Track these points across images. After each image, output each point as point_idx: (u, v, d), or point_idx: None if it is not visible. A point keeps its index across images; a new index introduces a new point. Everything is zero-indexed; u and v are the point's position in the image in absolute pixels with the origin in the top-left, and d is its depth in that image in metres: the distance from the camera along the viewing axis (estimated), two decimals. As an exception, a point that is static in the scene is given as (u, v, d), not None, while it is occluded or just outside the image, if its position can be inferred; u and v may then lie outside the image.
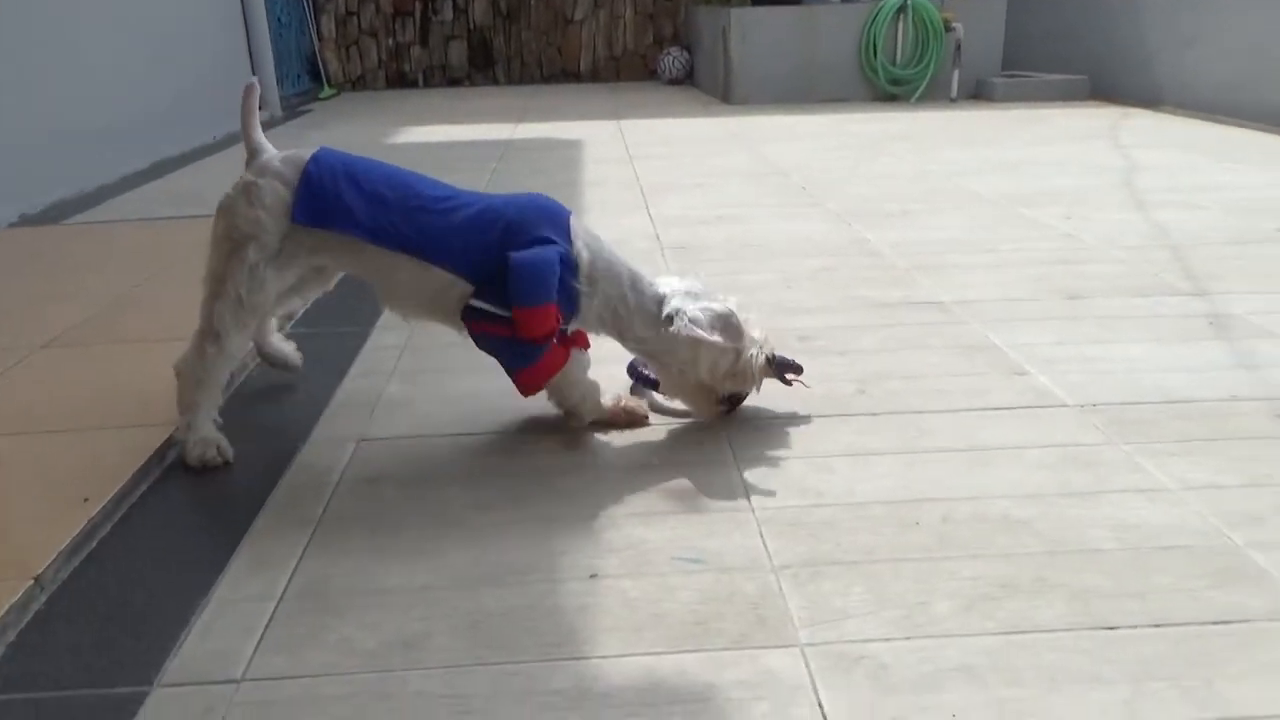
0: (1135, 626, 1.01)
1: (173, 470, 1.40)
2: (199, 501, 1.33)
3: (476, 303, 1.39)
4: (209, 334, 1.39)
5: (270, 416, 1.60)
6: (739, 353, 1.42)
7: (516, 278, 1.34)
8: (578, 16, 7.77)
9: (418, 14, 7.74)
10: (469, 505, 1.28)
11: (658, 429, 1.51)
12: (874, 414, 1.52)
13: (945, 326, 1.91)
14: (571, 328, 1.45)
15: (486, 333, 1.40)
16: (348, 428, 1.52)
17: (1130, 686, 0.92)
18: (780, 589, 1.08)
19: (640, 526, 1.22)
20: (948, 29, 5.66)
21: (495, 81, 7.90)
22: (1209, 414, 1.49)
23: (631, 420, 1.51)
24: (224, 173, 3.89)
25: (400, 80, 7.83)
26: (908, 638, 0.99)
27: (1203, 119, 4.67)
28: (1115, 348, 1.77)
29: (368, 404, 1.61)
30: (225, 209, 1.38)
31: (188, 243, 2.70)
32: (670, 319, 1.40)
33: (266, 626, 1.04)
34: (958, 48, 5.66)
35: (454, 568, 1.14)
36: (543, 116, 5.45)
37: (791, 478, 1.33)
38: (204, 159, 4.31)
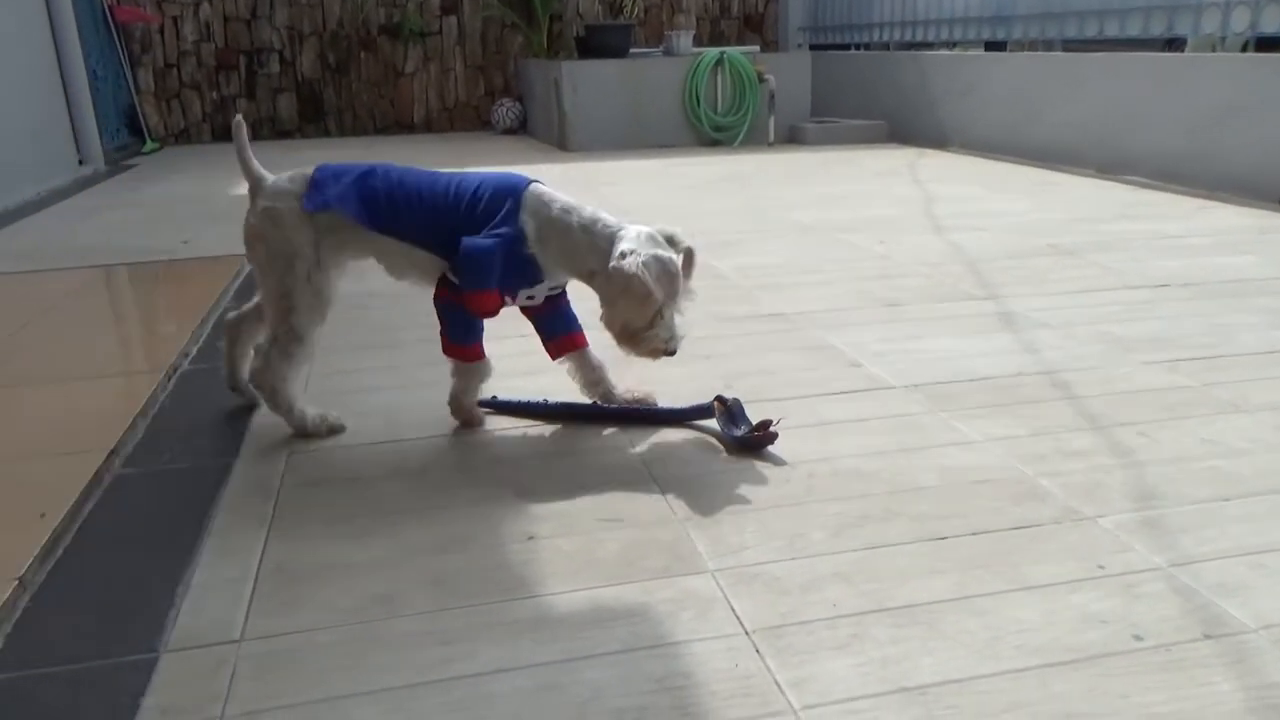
0: (959, 536, 1.30)
1: (113, 490, 1.49)
2: (148, 513, 1.43)
3: (449, 275, 1.61)
4: (292, 339, 1.60)
5: (191, 443, 1.69)
6: (653, 315, 1.54)
7: (463, 266, 1.56)
8: (408, 69, 7.92)
9: (242, 67, 7.67)
10: (405, 495, 1.45)
11: (556, 426, 1.71)
12: (742, 402, 1.79)
13: (789, 333, 2.22)
14: (543, 290, 1.64)
15: (448, 300, 1.62)
16: (274, 444, 1.65)
17: (960, 574, 1.21)
18: (689, 534, 1.32)
19: (563, 499, 1.43)
20: (761, 80, 6.20)
21: (327, 134, 7.91)
22: (1002, 386, 1.85)
23: (465, 421, 1.70)
24: (65, 227, 3.83)
25: (227, 133, 7.70)
26: (792, 558, 1.25)
27: (982, 156, 5.36)
28: (928, 341, 2.13)
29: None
30: (256, 236, 1.59)
31: (54, 293, 2.70)
32: (621, 257, 1.52)
33: (251, 599, 1.18)
34: (771, 97, 6.21)
35: (407, 542, 1.31)
36: (385, 166, 5.56)
37: (683, 454, 1.58)
38: (34, 215, 4.18)
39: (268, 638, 1.10)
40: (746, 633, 1.09)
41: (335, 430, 1.69)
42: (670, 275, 1.53)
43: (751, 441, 1.58)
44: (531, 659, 1.05)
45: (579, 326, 1.73)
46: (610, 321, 1.60)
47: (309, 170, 1.61)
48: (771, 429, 1.58)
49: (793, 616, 1.12)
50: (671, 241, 1.58)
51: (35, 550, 1.24)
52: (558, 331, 1.72)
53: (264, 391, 1.64)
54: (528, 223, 1.58)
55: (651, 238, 1.57)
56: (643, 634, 1.09)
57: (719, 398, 1.65)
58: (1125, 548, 1.26)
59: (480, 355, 1.66)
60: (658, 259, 1.52)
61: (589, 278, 1.61)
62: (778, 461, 1.54)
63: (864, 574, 1.21)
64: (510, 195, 1.58)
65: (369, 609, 1.15)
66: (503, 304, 1.63)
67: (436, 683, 1.02)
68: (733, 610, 1.14)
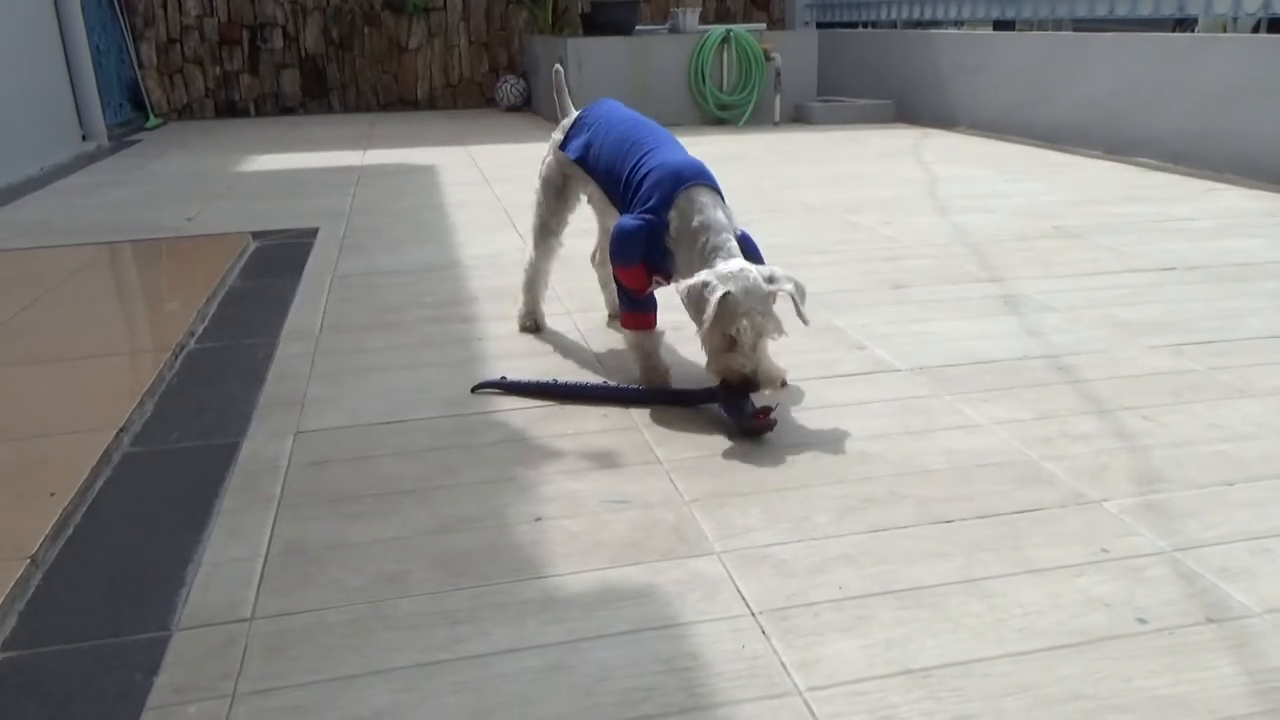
0: (965, 519, 1.31)
1: (122, 468, 1.50)
2: (157, 492, 1.44)
3: None
4: (531, 243, 2.06)
5: (199, 422, 1.70)
6: (724, 339, 1.53)
7: (611, 242, 1.72)
8: (412, 45, 7.87)
9: (245, 42, 7.63)
10: (412, 476, 1.46)
11: (562, 407, 1.72)
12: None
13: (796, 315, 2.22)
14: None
15: (615, 273, 1.77)
16: (282, 423, 1.66)
17: (965, 557, 1.21)
18: (694, 516, 1.33)
19: (570, 481, 1.43)
20: (767, 58, 6.15)
21: (330, 110, 7.87)
22: (1007, 370, 1.85)
23: (645, 378, 1.78)
24: (68, 204, 3.82)
25: (230, 109, 7.67)
26: (799, 540, 1.26)
27: (989, 137, 5.33)
28: (933, 324, 2.13)
29: (295, 403, 1.74)
30: (545, 158, 2.01)
31: (60, 270, 2.70)
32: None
33: (260, 578, 1.19)
34: (778, 75, 6.16)
35: (414, 523, 1.32)
36: (389, 143, 5.54)
37: (689, 435, 1.58)
38: (37, 191, 4.17)
39: (278, 616, 1.11)
40: (753, 614, 1.10)
41: (527, 330, 2.11)
42: (697, 302, 1.53)
43: (751, 427, 1.57)
44: (540, 639, 1.06)
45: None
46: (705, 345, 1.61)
47: (576, 113, 1.99)
48: (770, 416, 1.57)
49: (799, 598, 1.13)
50: (771, 280, 1.56)
51: (46, 529, 1.25)
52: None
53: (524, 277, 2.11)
54: (673, 219, 1.65)
55: (738, 273, 1.53)
56: (650, 615, 1.10)
57: (724, 381, 1.63)
58: (1130, 531, 1.26)
59: (637, 324, 1.76)
60: (692, 286, 1.55)
61: None
62: (783, 444, 1.55)
63: (869, 556, 1.22)
64: (669, 185, 1.67)
65: (378, 589, 1.16)
66: (650, 280, 1.72)
67: (446, 662, 1.03)
68: (739, 592, 1.15)
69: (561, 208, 2.02)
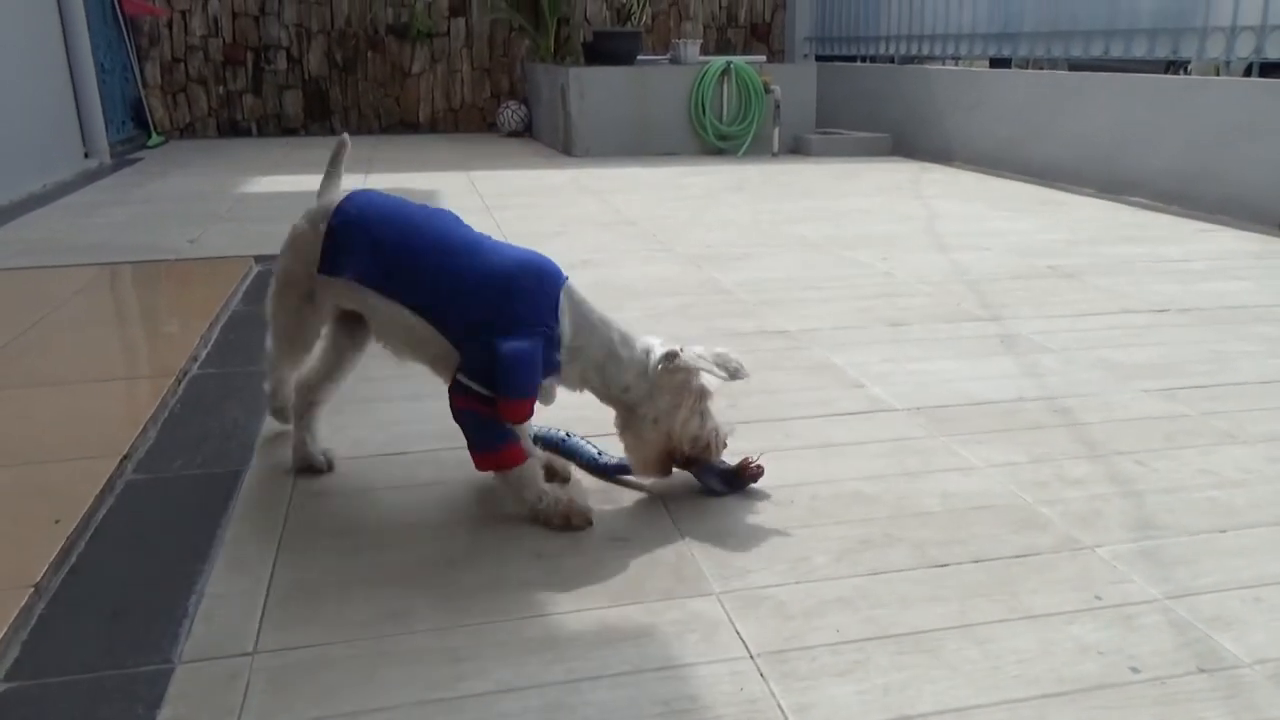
0: (960, 563, 1.32)
1: (125, 496, 1.51)
2: (162, 521, 1.45)
3: (465, 380, 1.40)
4: (269, 366, 1.66)
5: (202, 450, 1.71)
6: (704, 416, 1.47)
7: (504, 371, 1.37)
8: (415, 70, 7.94)
9: (249, 63, 7.69)
10: (414, 510, 1.47)
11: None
12: (745, 422, 1.81)
13: (793, 351, 2.25)
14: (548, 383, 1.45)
15: (469, 409, 1.41)
16: (285, 453, 1.66)
17: (960, 602, 1.23)
18: (693, 556, 1.34)
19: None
20: (767, 90, 6.22)
21: (332, 132, 7.91)
22: (1003, 411, 1.87)
23: (566, 524, 1.42)
24: (70, 223, 3.84)
25: (232, 129, 7.72)
26: (796, 582, 1.27)
27: (985, 173, 5.39)
28: (930, 363, 2.15)
29: (297, 432, 1.75)
30: (280, 254, 1.55)
31: (63, 291, 2.72)
32: (669, 355, 1.43)
33: (263, 612, 1.20)
34: (777, 107, 6.23)
35: (417, 557, 1.33)
36: (390, 167, 5.58)
37: (688, 475, 1.59)
38: (39, 209, 4.19)
39: (281, 651, 1.12)
40: (751, 656, 1.11)
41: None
42: (725, 367, 1.44)
43: (737, 482, 1.52)
44: (540, 679, 1.07)
45: None
46: (668, 438, 1.46)
47: (332, 206, 1.48)
48: (753, 465, 1.52)
49: (796, 641, 1.14)
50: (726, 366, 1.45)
51: (50, 557, 1.26)
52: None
53: None
54: (565, 329, 1.42)
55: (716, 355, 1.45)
56: (650, 656, 1.11)
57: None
58: (1123, 579, 1.28)
59: (523, 455, 1.42)
60: (717, 353, 1.44)
61: (621, 394, 1.46)
62: (783, 484, 1.56)
63: (866, 600, 1.23)
64: (552, 288, 1.43)
65: (380, 624, 1.17)
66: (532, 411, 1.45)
67: (448, 700, 1.04)
68: (738, 633, 1.16)
69: (311, 323, 1.56)
